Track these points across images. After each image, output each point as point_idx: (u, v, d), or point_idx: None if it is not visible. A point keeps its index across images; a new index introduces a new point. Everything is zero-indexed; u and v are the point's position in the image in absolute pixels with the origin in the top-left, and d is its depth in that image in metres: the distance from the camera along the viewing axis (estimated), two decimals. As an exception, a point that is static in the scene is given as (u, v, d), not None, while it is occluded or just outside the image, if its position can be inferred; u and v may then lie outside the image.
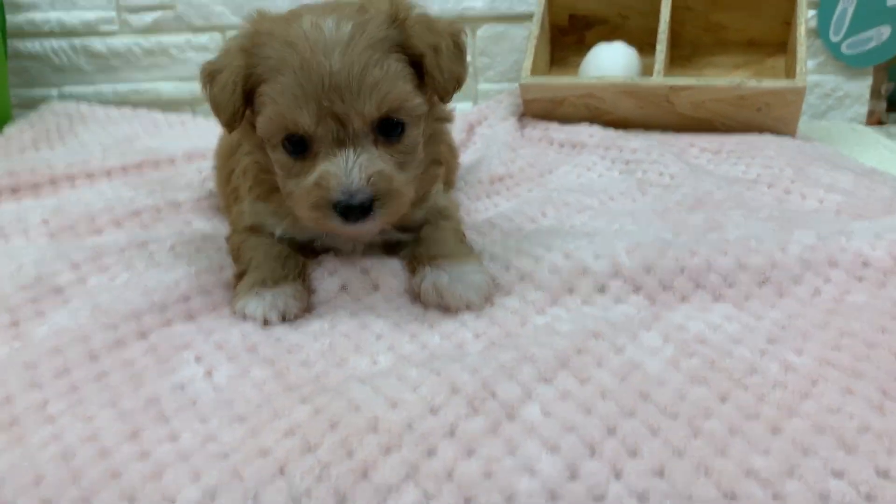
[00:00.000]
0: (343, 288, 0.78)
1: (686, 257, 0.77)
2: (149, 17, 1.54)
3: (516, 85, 1.37)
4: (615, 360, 0.64)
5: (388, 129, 0.71)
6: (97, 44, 1.56)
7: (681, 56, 1.41)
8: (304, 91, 0.67)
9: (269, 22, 0.72)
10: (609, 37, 1.42)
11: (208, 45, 1.56)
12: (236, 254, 0.81)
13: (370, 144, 0.70)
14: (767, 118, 1.22)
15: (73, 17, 1.55)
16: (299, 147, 0.70)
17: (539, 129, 1.31)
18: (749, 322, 0.70)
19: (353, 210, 0.68)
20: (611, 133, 1.23)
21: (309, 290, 0.77)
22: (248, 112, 0.73)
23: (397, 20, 0.71)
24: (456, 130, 1.30)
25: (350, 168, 0.68)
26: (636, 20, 1.39)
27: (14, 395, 0.62)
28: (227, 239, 0.85)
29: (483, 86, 1.55)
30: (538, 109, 1.34)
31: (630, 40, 1.39)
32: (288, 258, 0.79)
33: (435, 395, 0.59)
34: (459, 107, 1.54)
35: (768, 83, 1.18)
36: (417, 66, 0.72)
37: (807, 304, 0.72)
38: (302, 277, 0.77)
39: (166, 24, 1.54)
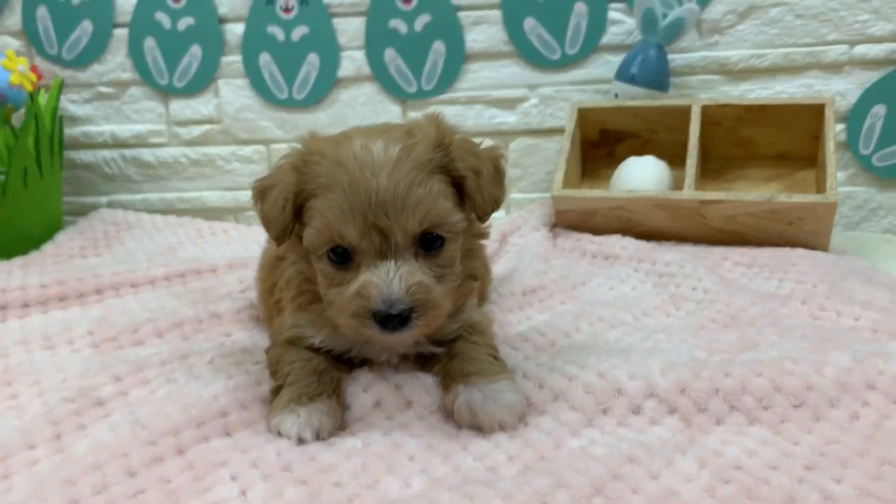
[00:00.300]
0: (377, 404, 0.79)
1: (720, 378, 0.76)
2: (197, 130, 1.62)
3: (548, 195, 1.40)
4: (651, 487, 0.63)
5: (429, 244, 0.74)
6: (146, 154, 1.64)
7: (711, 169, 1.43)
8: (352, 206, 0.71)
9: (321, 143, 0.77)
10: (639, 150, 1.45)
11: (252, 157, 1.63)
12: (274, 367, 0.82)
13: (411, 257, 0.73)
14: (800, 232, 1.22)
15: (125, 129, 1.63)
16: (343, 258, 0.74)
17: (571, 240, 1.33)
18: (786, 447, 0.69)
19: (392, 319, 0.71)
20: (644, 245, 1.25)
21: (343, 406, 0.79)
22: (296, 225, 0.77)
23: (442, 144, 0.75)
24: (489, 239, 1.32)
25: (391, 278, 0.71)
26: (665, 134, 1.43)
27: (53, 512, 0.63)
28: (267, 351, 0.87)
29: (515, 195, 1.59)
30: (570, 220, 1.37)
31: (660, 154, 1.42)
32: (324, 373, 0.80)
33: (468, 522, 0.59)
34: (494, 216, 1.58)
35: (799, 198, 1.19)
36: (459, 186, 0.76)
37: (845, 429, 0.71)
38: (337, 394, 0.79)
39: (213, 136, 1.62)
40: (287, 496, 0.65)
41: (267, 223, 0.77)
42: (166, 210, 1.65)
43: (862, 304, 0.98)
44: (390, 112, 1.57)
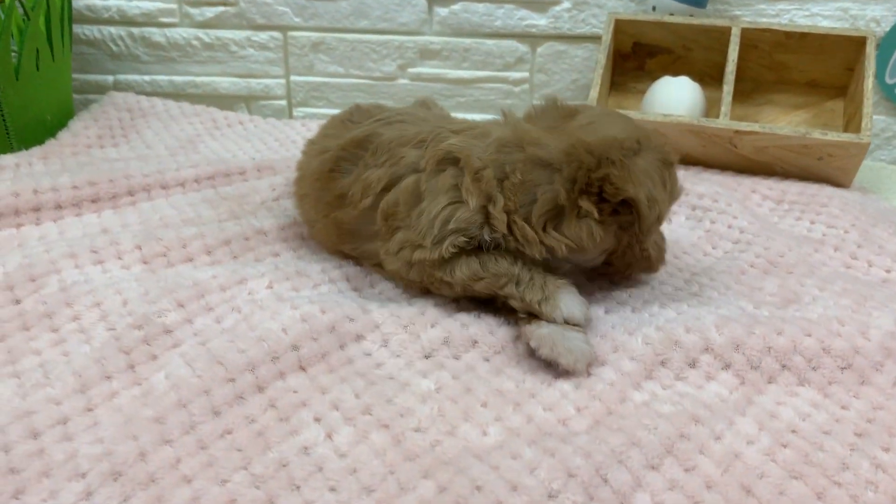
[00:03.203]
0: (445, 341, 0.82)
1: (773, 336, 0.80)
2: (210, 12, 1.54)
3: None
4: (716, 449, 0.68)
5: None
6: (156, 34, 1.56)
7: (741, 91, 1.42)
8: None
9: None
10: (671, 67, 1.43)
11: (268, 44, 1.56)
12: (490, 282, 0.83)
13: None
14: (827, 167, 1.24)
15: (133, 6, 1.54)
16: None
17: (600, 160, 1.33)
18: (836, 412, 0.74)
19: None
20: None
21: None
22: None
23: None
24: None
25: None
26: (699, 53, 1.40)
27: (147, 451, 0.65)
28: (428, 267, 0.85)
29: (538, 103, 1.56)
30: (600, 139, 1.36)
31: (692, 72, 1.40)
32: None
33: (552, 479, 0.63)
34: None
35: (834, 136, 1.20)
36: None
37: (889, 395, 0.76)
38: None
39: (227, 19, 1.54)
40: (372, 441, 0.68)
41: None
42: (175, 94, 1.59)
43: (893, 255, 1.02)
44: (415, 6, 1.50)
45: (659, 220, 0.85)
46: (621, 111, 1.29)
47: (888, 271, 1.00)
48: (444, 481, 0.63)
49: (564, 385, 0.77)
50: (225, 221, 1.04)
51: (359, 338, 0.82)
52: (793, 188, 1.22)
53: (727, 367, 0.79)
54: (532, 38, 1.52)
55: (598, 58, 1.36)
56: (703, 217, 1.13)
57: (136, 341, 0.78)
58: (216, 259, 0.96)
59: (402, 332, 0.83)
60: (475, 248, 0.84)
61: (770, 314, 0.87)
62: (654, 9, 1.42)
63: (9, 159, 1.15)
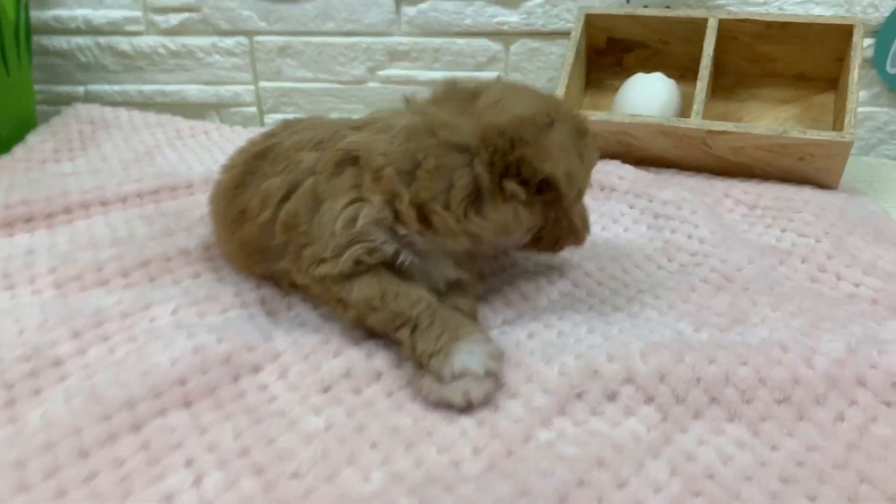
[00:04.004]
0: (346, 374, 0.76)
1: (703, 365, 0.73)
2: (175, 19, 1.50)
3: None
4: (616, 498, 0.61)
5: None
6: (123, 43, 1.53)
7: (723, 86, 1.33)
8: None
9: None
10: (649, 62, 1.35)
11: (234, 50, 1.52)
12: (384, 316, 0.75)
13: None
14: (809, 167, 1.15)
15: (99, 15, 1.51)
16: None
17: (568, 164, 1.26)
18: (763, 454, 0.66)
19: None
20: (643, 176, 1.18)
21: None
22: None
23: None
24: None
25: None
26: (678, 46, 1.32)
27: (2, 498, 0.62)
28: (329, 283, 0.78)
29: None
30: (568, 141, 1.28)
31: (670, 66, 1.32)
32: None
33: (424, 534, 0.58)
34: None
35: (813, 134, 1.11)
36: None
37: (828, 432, 0.68)
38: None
39: (192, 26, 1.50)
40: (242, 487, 0.63)
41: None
42: (145, 103, 1.57)
43: (865, 266, 0.93)
44: (383, 5, 1.45)
45: (580, 193, 0.81)
46: (596, 113, 1.21)
47: (857, 285, 0.91)
48: (307, 536, 0.58)
49: (466, 422, 0.71)
50: (156, 239, 1.00)
51: (256, 369, 0.77)
52: (769, 192, 1.13)
53: (650, 400, 0.72)
54: (504, 35, 1.45)
55: (566, 55, 1.29)
56: (664, 226, 1.05)
57: (22, 375, 0.75)
58: (132, 282, 0.92)
59: (303, 363, 0.78)
60: (381, 267, 0.78)
61: (708, 338, 0.79)
62: (627, 1, 1.33)
63: (-49, 178, 1.14)
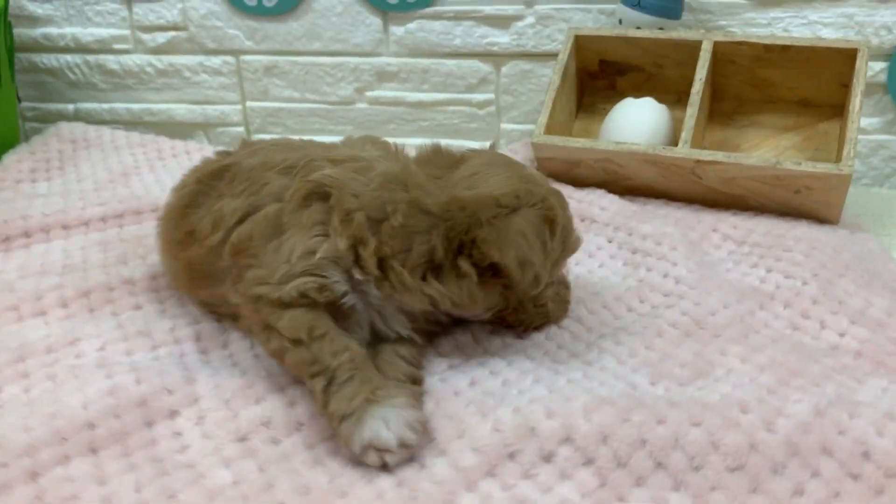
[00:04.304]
0: (266, 423, 0.71)
1: (651, 426, 0.66)
2: (161, 38, 1.48)
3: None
4: (531, 579, 0.55)
5: None
6: (111, 61, 1.52)
7: (721, 111, 1.26)
8: None
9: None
10: (643, 86, 1.28)
11: (221, 69, 1.49)
12: (304, 356, 0.69)
13: None
14: (807, 201, 1.07)
15: (87, 33, 1.50)
16: None
17: (551, 192, 1.20)
18: (706, 530, 0.59)
19: None
20: (626, 207, 1.11)
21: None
22: None
23: None
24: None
25: None
26: (673, 69, 1.25)
27: None
28: (265, 306, 0.72)
29: (506, 126, 1.44)
30: (552, 168, 1.22)
31: (665, 90, 1.25)
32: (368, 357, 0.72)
33: None
34: (478, 147, 1.44)
35: (808, 166, 1.03)
36: None
37: (783, 509, 0.61)
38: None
39: (179, 44, 1.48)
40: (128, 550, 0.59)
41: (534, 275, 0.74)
42: (134, 122, 1.55)
43: (853, 314, 0.85)
44: (370, 25, 1.40)
45: (536, 282, 0.74)
46: (579, 140, 1.15)
47: (842, 335, 0.83)
48: None
49: (385, 482, 0.65)
50: (106, 268, 0.97)
51: (172, 414, 0.73)
52: (761, 226, 1.05)
53: (589, 462, 0.65)
54: (495, 56, 1.40)
55: (552, 77, 1.23)
56: (641, 263, 0.98)
57: (-68, 415, 0.71)
58: (71, 312, 0.89)
59: (223, 409, 0.73)
60: (323, 308, 0.73)
61: (664, 393, 0.72)
62: (620, 22, 1.27)
63: (-84, 198, 1.12)
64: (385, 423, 0.64)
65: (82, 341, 0.81)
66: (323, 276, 0.72)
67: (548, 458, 0.66)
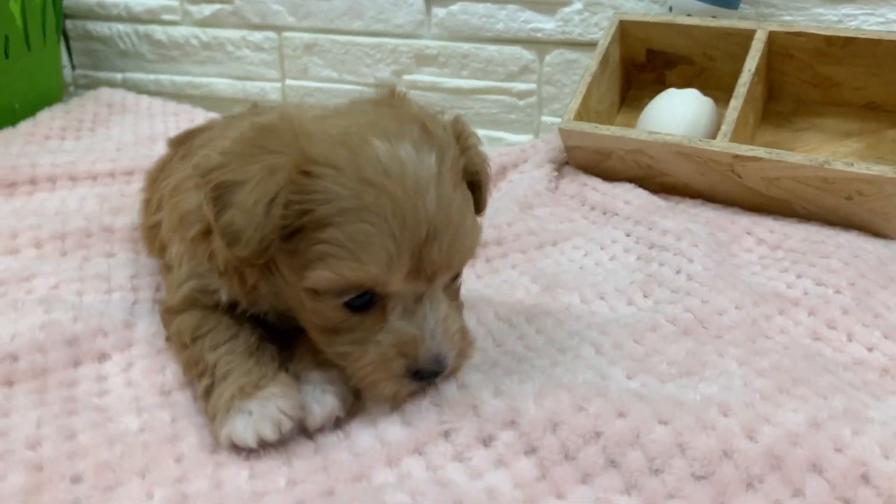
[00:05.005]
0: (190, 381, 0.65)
1: (609, 418, 0.57)
2: (208, 10, 1.48)
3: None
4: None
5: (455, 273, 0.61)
6: (158, 32, 1.52)
7: (778, 112, 1.14)
8: (398, 245, 0.53)
9: (325, 147, 0.54)
10: (694, 80, 1.18)
11: (263, 44, 1.47)
12: (192, 364, 0.63)
13: (441, 295, 0.58)
14: (860, 209, 0.95)
15: (138, 3, 1.51)
16: (362, 300, 0.56)
17: (577, 184, 1.11)
18: (649, 543, 0.50)
19: (436, 376, 0.59)
20: (652, 203, 1.02)
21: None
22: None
23: (460, 140, 0.61)
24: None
25: (433, 330, 0.57)
26: (724, 63, 1.14)
27: None
28: (163, 314, 0.68)
29: (547, 118, 1.35)
30: (582, 159, 1.13)
31: (716, 86, 1.15)
32: (260, 349, 0.63)
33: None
34: (520, 140, 1.36)
35: (861, 168, 0.91)
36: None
37: (749, 529, 0.50)
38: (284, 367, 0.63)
39: (224, 18, 1.47)
40: (7, 484, 0.54)
41: (233, 234, 0.53)
42: (177, 95, 1.55)
43: (888, 328, 0.73)
44: (412, 6, 1.36)
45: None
46: (610, 128, 1.07)
47: (870, 349, 0.71)
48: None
49: (302, 448, 0.58)
50: (93, 217, 0.94)
51: (102, 357, 0.68)
52: (799, 232, 0.94)
53: (531, 451, 0.57)
54: (539, 44, 1.32)
55: (589, 63, 1.14)
56: (655, 258, 0.88)
57: None
58: (43, 253, 0.86)
59: (153, 358, 0.68)
60: (216, 309, 0.65)
61: (637, 388, 0.63)
62: (670, 9, 1.17)
63: (-61, 141, 1.13)
64: (246, 419, 0.57)
65: (37, 278, 0.78)
66: (204, 279, 0.64)
67: (487, 441, 0.58)
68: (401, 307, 0.57)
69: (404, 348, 0.56)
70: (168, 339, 0.68)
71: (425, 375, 0.58)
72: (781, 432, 0.55)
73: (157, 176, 0.82)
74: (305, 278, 0.55)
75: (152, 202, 0.78)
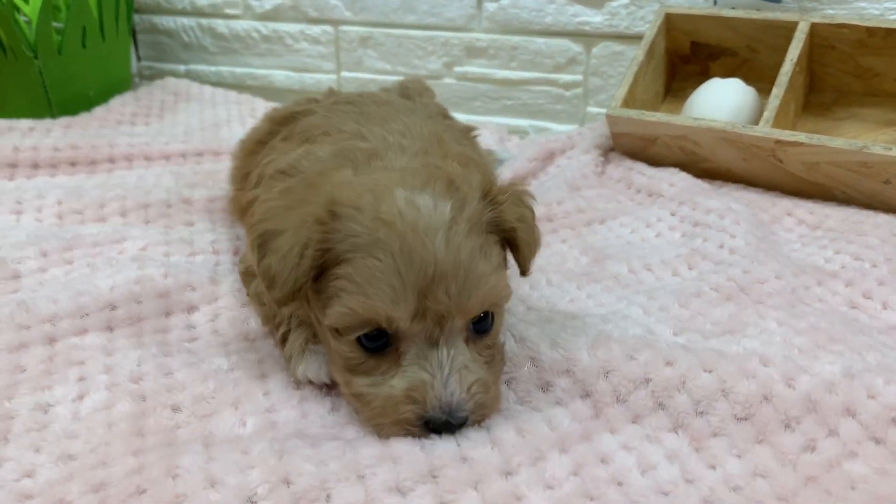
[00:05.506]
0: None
1: (658, 366, 0.62)
2: (269, 4, 1.55)
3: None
4: (494, 487, 0.52)
5: (479, 323, 0.59)
6: (221, 26, 1.60)
7: (819, 103, 1.18)
8: (404, 281, 0.55)
9: (352, 191, 0.59)
10: (737, 72, 1.22)
11: (320, 38, 1.54)
12: (267, 312, 0.71)
13: (462, 343, 0.58)
14: (898, 194, 0.98)
15: (203, -3, 1.60)
16: (380, 342, 0.58)
17: (622, 169, 1.16)
18: (695, 470, 0.55)
19: (451, 427, 0.56)
20: (696, 185, 1.06)
21: None
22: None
23: (490, 194, 0.61)
24: (523, 160, 1.18)
25: (446, 377, 0.56)
26: (767, 55, 1.18)
27: None
28: (242, 275, 0.77)
29: (592, 109, 1.40)
30: (628, 145, 1.18)
31: (759, 78, 1.19)
32: None
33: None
34: (564, 129, 1.41)
35: (900, 152, 0.95)
36: (507, 239, 0.63)
37: (785, 461, 0.55)
38: None
39: (284, 11, 1.55)
40: (116, 411, 0.61)
41: (270, 278, 0.58)
42: (237, 86, 1.62)
43: (923, 298, 0.77)
44: (463, 0, 1.41)
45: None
46: (655, 114, 1.11)
47: (905, 316, 0.75)
48: (146, 464, 0.54)
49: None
50: (171, 190, 1.01)
51: (191, 308, 0.75)
52: (838, 214, 0.97)
53: (586, 395, 0.62)
54: (586, 36, 1.37)
55: (636, 54, 1.19)
56: (699, 234, 0.93)
57: (-22, 283, 0.76)
58: (129, 221, 0.94)
59: (237, 311, 0.75)
60: None
61: (683, 342, 0.68)
62: (715, 3, 1.22)
63: (25, 123, 1.21)
64: (320, 359, 0.65)
65: (127, 241, 0.85)
66: None
67: (545, 387, 0.63)
68: (414, 351, 0.57)
69: (414, 393, 0.56)
70: (249, 296, 0.75)
71: (436, 426, 0.56)
72: (818, 381, 0.59)
73: (255, 149, 0.87)
74: (327, 316, 0.58)
75: (251, 177, 0.82)
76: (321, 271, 0.58)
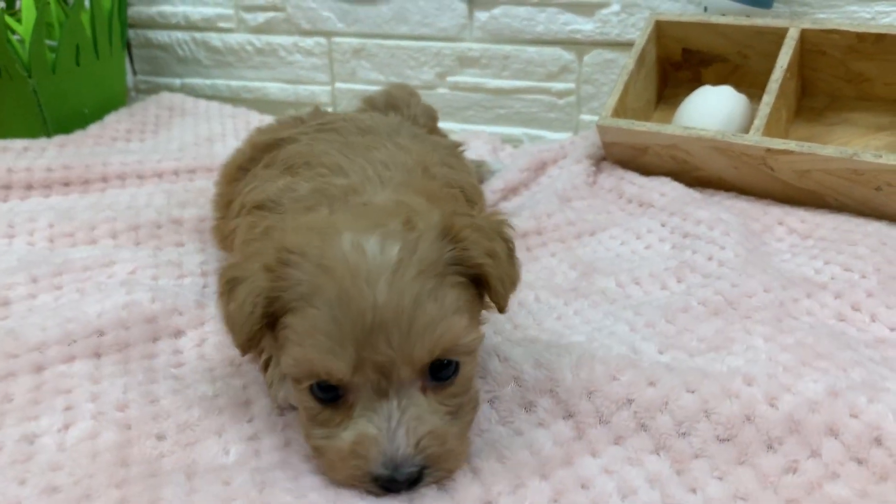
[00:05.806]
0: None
1: (640, 386, 0.62)
2: (262, 17, 1.56)
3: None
4: (473, 513, 0.52)
5: (439, 370, 0.56)
6: (214, 39, 1.61)
7: (811, 108, 1.18)
8: (341, 331, 0.52)
9: (300, 236, 0.57)
10: (729, 78, 1.22)
11: (313, 49, 1.55)
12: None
13: (417, 392, 0.55)
14: (889, 200, 0.98)
15: (196, 11, 1.60)
16: (330, 394, 0.55)
17: (614, 178, 1.15)
18: (675, 494, 0.55)
19: (398, 484, 0.54)
20: (686, 195, 1.06)
21: None
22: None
23: (450, 232, 0.57)
24: (514, 170, 1.18)
25: (394, 429, 0.53)
26: (758, 61, 1.18)
27: None
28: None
29: (585, 117, 1.40)
30: (619, 154, 1.18)
31: (751, 84, 1.18)
32: None
33: None
34: (559, 137, 1.41)
35: (891, 159, 0.94)
36: (474, 276, 0.59)
37: (766, 483, 0.55)
38: None
39: (277, 24, 1.55)
40: (101, 440, 0.61)
41: (230, 326, 0.58)
42: (232, 99, 1.63)
43: (911, 309, 0.77)
44: (455, 10, 1.41)
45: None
46: (646, 124, 1.11)
47: (893, 329, 0.75)
48: (131, 495, 0.54)
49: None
50: (162, 210, 1.02)
51: (178, 333, 0.76)
52: (829, 222, 0.97)
53: (569, 416, 0.62)
54: (577, 44, 1.37)
55: (626, 62, 1.19)
56: (688, 246, 0.92)
57: (-33, 310, 0.77)
58: (119, 243, 0.94)
59: (224, 333, 0.75)
60: None
61: (667, 361, 0.68)
62: (705, 9, 1.21)
63: (20, 143, 1.22)
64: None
65: (116, 264, 0.85)
66: None
67: (528, 407, 0.64)
68: (363, 402, 0.54)
69: (358, 448, 0.54)
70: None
71: (384, 483, 0.54)
72: (801, 400, 0.59)
73: (237, 176, 0.86)
74: (281, 364, 0.57)
75: (233, 205, 0.81)
76: (275, 319, 0.56)
